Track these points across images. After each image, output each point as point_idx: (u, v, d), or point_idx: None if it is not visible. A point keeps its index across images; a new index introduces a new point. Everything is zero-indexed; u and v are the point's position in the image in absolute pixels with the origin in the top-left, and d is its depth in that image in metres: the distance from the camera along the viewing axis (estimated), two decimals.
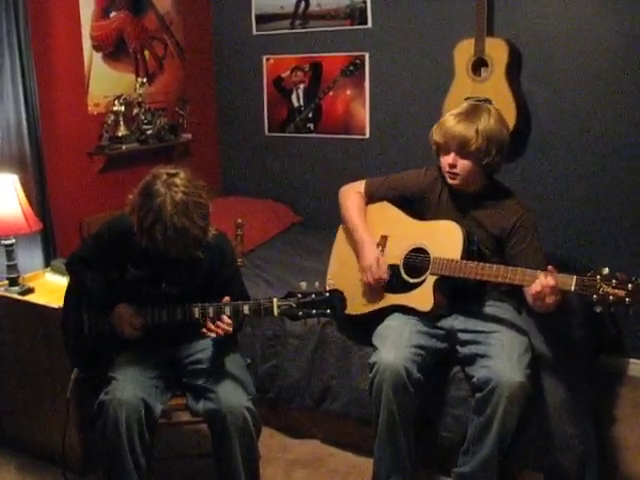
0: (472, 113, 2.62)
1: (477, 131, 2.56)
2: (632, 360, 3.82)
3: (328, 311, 2.30)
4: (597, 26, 3.60)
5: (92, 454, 2.86)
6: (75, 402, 2.73)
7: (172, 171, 2.26)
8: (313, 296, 2.30)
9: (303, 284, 2.36)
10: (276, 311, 2.30)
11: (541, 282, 2.30)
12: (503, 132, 2.64)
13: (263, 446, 2.66)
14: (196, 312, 2.36)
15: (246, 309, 2.34)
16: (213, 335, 2.35)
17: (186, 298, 2.41)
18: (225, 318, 2.34)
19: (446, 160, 2.65)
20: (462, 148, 2.59)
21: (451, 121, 2.62)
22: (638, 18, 3.48)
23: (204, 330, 2.36)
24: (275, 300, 2.31)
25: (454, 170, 2.64)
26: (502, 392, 2.37)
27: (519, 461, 2.64)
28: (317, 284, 2.37)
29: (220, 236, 2.52)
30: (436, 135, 2.67)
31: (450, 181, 2.69)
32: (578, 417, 2.59)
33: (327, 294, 2.31)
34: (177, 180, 2.22)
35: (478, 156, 2.59)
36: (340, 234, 3.04)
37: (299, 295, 2.31)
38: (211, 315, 2.34)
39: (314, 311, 2.30)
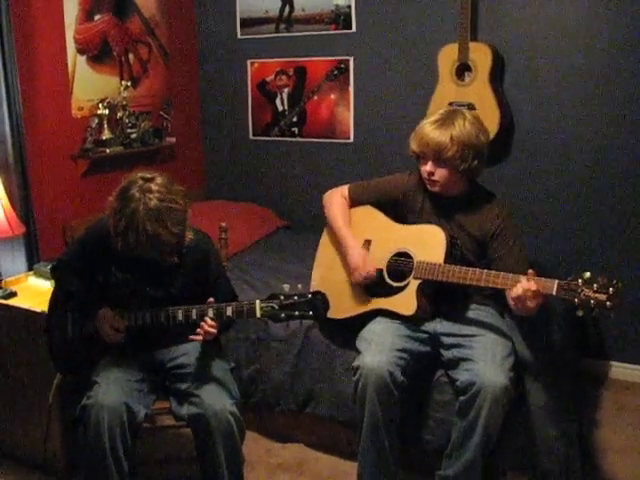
0: (447, 119, 2.61)
1: (452, 138, 2.56)
2: (614, 363, 3.84)
3: (310, 313, 2.29)
4: (581, 31, 3.63)
5: (74, 459, 2.84)
6: (57, 407, 2.71)
7: (149, 175, 2.26)
8: (295, 298, 2.30)
9: (286, 286, 2.36)
10: (259, 313, 2.30)
11: (522, 286, 2.30)
12: (480, 137, 2.63)
13: (247, 450, 2.66)
14: (179, 315, 2.36)
15: (229, 311, 2.34)
16: (200, 338, 2.36)
17: (172, 300, 2.41)
18: (208, 320, 2.35)
19: (424, 168, 2.66)
20: (438, 156, 2.59)
21: (426, 129, 2.62)
22: (622, 23, 3.51)
23: (191, 336, 2.37)
24: (258, 302, 2.31)
25: (433, 178, 2.65)
26: (485, 395, 2.38)
27: (503, 464, 2.65)
28: (300, 286, 2.37)
29: (203, 237, 2.54)
30: (413, 144, 2.68)
31: (430, 188, 2.70)
32: (561, 420, 2.60)
33: (309, 296, 2.30)
34: (152, 186, 2.22)
35: (454, 163, 2.59)
36: (324, 238, 3.04)
37: (282, 297, 2.31)
38: (194, 317, 2.35)
39: (296, 313, 2.29)
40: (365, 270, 2.74)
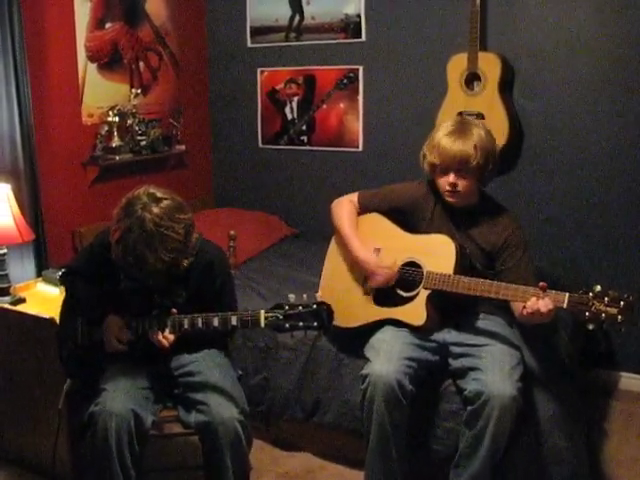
0: (463, 129, 2.62)
1: (475, 147, 2.57)
2: (623, 373, 3.82)
3: (315, 324, 2.28)
4: (590, 41, 3.63)
5: (82, 466, 2.84)
6: (66, 413, 2.71)
7: (158, 195, 2.25)
8: (300, 308, 2.28)
9: (292, 296, 2.34)
10: (263, 322, 2.29)
11: (539, 304, 2.30)
12: (494, 144, 2.67)
13: (254, 459, 2.66)
14: (186, 323, 2.36)
15: (234, 320, 2.32)
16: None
17: (180, 309, 2.40)
18: (166, 332, 2.36)
19: (446, 180, 2.64)
20: (463, 166, 2.59)
21: (445, 142, 2.60)
22: (631, 33, 3.51)
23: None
24: (262, 312, 2.30)
25: (456, 189, 2.64)
26: (493, 405, 2.37)
27: (511, 474, 2.63)
28: (305, 296, 2.35)
29: (211, 247, 2.54)
30: (432, 157, 2.65)
31: (449, 199, 2.68)
32: (570, 430, 2.59)
33: (314, 306, 2.29)
34: (155, 209, 2.21)
35: (478, 171, 2.61)
36: (333, 247, 3.03)
37: (286, 307, 2.29)
38: (200, 326, 2.35)
39: (301, 323, 2.28)
40: (385, 271, 2.72)
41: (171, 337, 2.37)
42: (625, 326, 2.17)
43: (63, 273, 2.64)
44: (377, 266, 2.74)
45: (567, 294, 2.28)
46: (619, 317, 2.17)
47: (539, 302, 2.31)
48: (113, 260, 2.28)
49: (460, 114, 3.68)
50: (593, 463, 2.83)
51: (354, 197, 2.95)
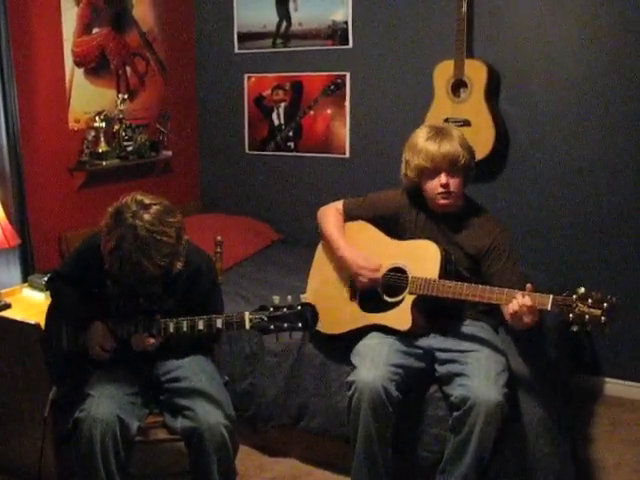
0: (442, 131, 2.69)
1: (461, 145, 2.64)
2: (608, 379, 3.84)
3: (299, 324, 2.29)
4: (576, 49, 3.66)
5: (68, 472, 2.82)
6: (52, 421, 2.70)
7: (147, 202, 2.24)
8: (284, 309, 2.30)
9: (276, 298, 2.35)
10: (248, 324, 2.29)
11: (518, 302, 2.32)
12: (471, 144, 2.73)
13: (240, 465, 2.65)
14: (171, 327, 2.36)
15: (219, 322, 2.33)
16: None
17: (166, 313, 2.40)
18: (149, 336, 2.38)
19: (437, 182, 2.66)
20: (453, 166, 2.63)
21: (432, 145, 2.64)
22: (617, 42, 3.54)
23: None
24: (247, 314, 2.30)
25: (450, 189, 2.66)
26: (479, 411, 2.38)
27: None
28: (289, 298, 2.35)
29: (199, 254, 2.54)
30: (420, 161, 2.66)
31: (442, 202, 2.69)
32: (555, 436, 2.59)
33: (299, 307, 2.30)
34: (146, 215, 2.19)
35: (465, 170, 2.67)
36: (319, 253, 3.04)
37: (271, 309, 2.30)
38: (185, 329, 2.34)
39: (285, 324, 2.29)
40: (372, 266, 2.73)
41: (151, 341, 2.37)
42: (609, 328, 2.19)
43: (49, 278, 2.64)
44: (362, 266, 2.75)
45: (551, 296, 2.29)
46: (602, 318, 2.18)
47: (519, 301, 2.32)
48: (105, 269, 2.26)
49: (446, 121, 3.70)
50: (578, 469, 2.83)
51: (339, 205, 2.96)
